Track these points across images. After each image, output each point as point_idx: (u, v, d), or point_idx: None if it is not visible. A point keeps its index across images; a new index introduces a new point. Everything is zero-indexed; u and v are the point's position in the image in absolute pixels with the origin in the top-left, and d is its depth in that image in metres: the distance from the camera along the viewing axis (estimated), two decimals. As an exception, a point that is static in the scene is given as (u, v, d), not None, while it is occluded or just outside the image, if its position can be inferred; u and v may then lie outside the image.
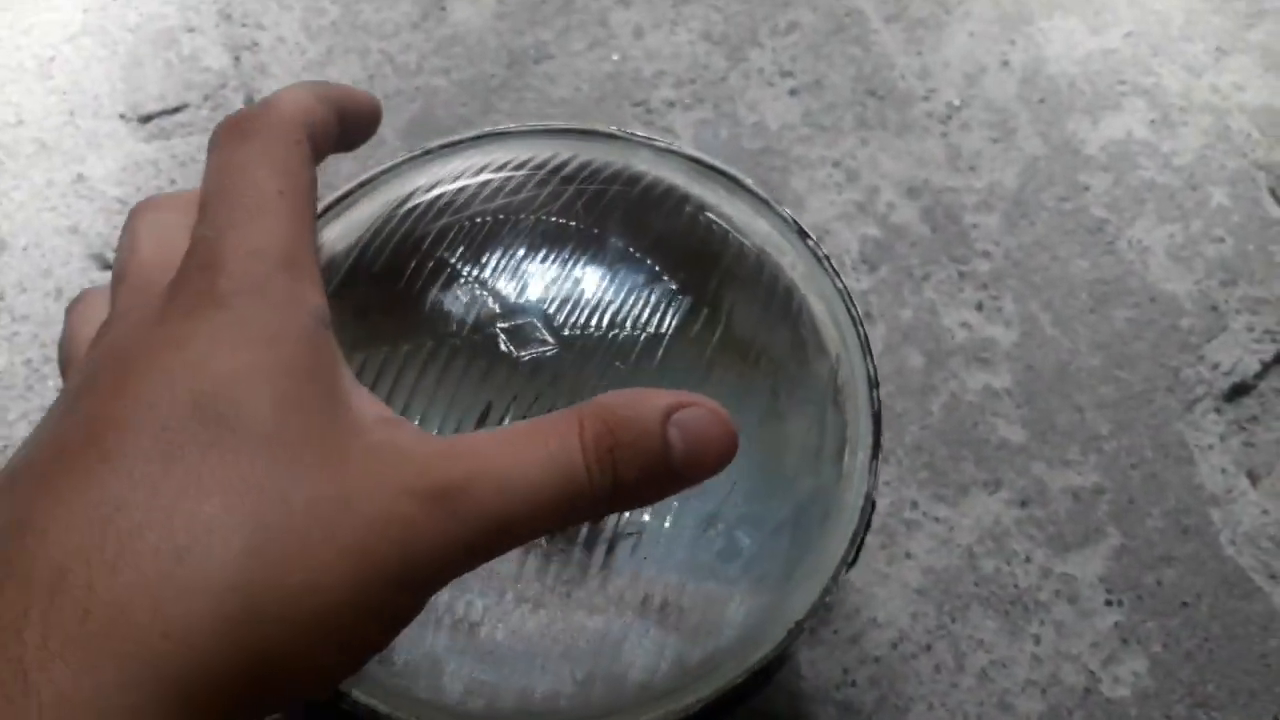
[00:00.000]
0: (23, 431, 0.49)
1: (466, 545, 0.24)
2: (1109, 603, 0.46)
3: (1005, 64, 0.59)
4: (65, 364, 0.29)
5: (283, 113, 0.29)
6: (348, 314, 0.35)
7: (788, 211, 0.38)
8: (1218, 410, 0.50)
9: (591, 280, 0.35)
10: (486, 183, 0.37)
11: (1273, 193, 0.55)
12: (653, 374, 0.34)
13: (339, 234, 0.37)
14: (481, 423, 0.33)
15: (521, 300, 0.35)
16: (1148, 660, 0.45)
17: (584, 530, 0.33)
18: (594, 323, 0.35)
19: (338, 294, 0.35)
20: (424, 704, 0.32)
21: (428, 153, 0.39)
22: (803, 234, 0.37)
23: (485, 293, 0.35)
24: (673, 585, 0.33)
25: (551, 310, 0.35)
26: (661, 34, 0.59)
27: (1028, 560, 0.47)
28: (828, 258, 0.37)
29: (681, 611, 0.33)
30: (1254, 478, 0.49)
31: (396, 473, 0.24)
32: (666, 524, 0.33)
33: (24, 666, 0.20)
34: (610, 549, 0.33)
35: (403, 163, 0.39)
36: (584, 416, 0.26)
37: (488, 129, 0.40)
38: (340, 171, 0.50)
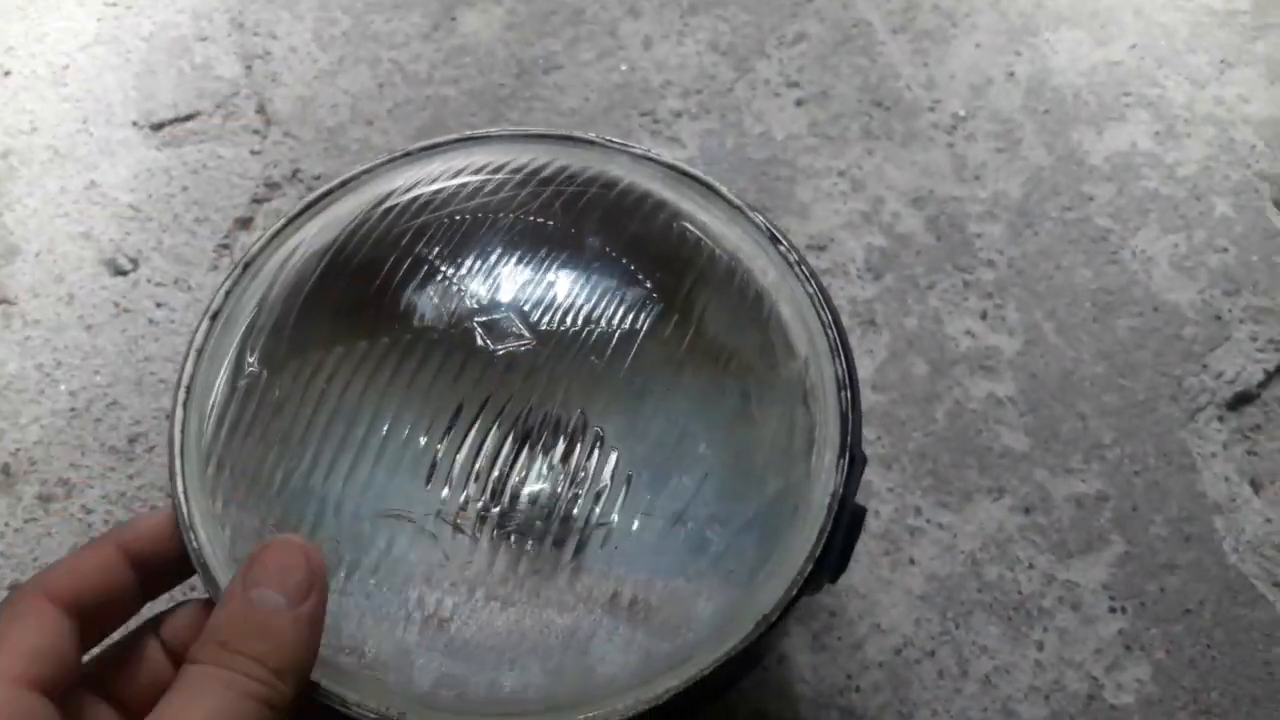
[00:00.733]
0: (34, 435, 0.49)
1: None
2: (1112, 610, 0.47)
3: (1011, 75, 0.59)
4: None
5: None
6: (326, 308, 0.36)
7: (760, 218, 0.38)
8: (1221, 419, 0.50)
9: (567, 278, 0.36)
10: (465, 184, 0.38)
11: (1276, 203, 0.56)
12: (625, 373, 0.35)
13: (317, 231, 0.38)
14: (455, 417, 0.34)
15: (498, 295, 0.36)
16: (1151, 667, 0.46)
17: (554, 527, 0.33)
18: (569, 319, 0.35)
19: (316, 289, 0.36)
20: (394, 694, 0.32)
21: (407, 155, 0.40)
22: (775, 240, 0.38)
23: (462, 288, 0.36)
24: (641, 582, 0.33)
25: (528, 306, 0.35)
26: (669, 45, 0.60)
27: (1031, 567, 0.47)
28: (801, 262, 0.37)
29: (650, 608, 0.33)
30: (1257, 486, 0.49)
31: None
32: (635, 523, 0.33)
33: None
34: (580, 547, 0.33)
35: (382, 164, 0.39)
36: (210, 661, 0.29)
37: (467, 133, 0.40)
38: (327, 170, 0.51)
